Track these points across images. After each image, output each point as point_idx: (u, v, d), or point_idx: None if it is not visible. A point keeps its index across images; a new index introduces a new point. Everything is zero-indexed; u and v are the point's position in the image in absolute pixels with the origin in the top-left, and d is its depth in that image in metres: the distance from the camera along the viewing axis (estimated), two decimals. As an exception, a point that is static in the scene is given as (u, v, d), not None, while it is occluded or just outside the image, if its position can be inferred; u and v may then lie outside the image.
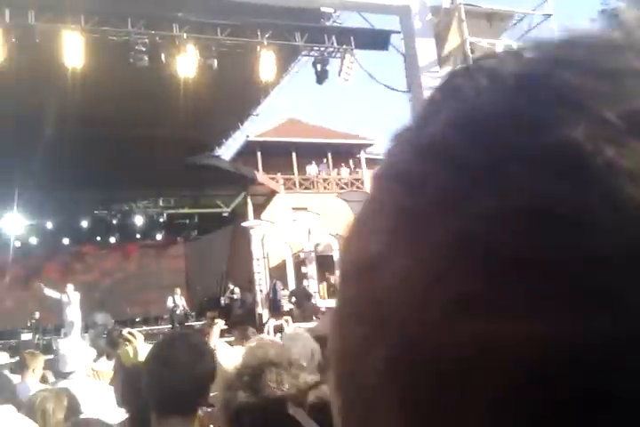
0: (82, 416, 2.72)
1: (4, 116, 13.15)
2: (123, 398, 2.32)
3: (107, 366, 4.64)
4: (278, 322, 3.62)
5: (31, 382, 4.20)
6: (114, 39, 10.57)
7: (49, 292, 14.30)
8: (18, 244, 18.15)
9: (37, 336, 16.71)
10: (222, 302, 18.75)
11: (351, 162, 26.85)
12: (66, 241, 19.04)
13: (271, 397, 1.02)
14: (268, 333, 3.37)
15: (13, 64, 10.33)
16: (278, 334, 4.66)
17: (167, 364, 1.60)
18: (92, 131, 14.32)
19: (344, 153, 26.14)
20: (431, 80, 11.87)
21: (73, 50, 10.07)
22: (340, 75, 13.56)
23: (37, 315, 16.94)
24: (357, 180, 25.92)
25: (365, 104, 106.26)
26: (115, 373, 2.78)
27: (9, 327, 17.23)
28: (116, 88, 12.37)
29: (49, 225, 17.93)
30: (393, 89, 13.78)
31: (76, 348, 4.12)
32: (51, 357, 4.79)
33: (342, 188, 24.56)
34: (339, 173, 26.14)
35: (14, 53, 10.16)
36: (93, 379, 4.29)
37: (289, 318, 3.80)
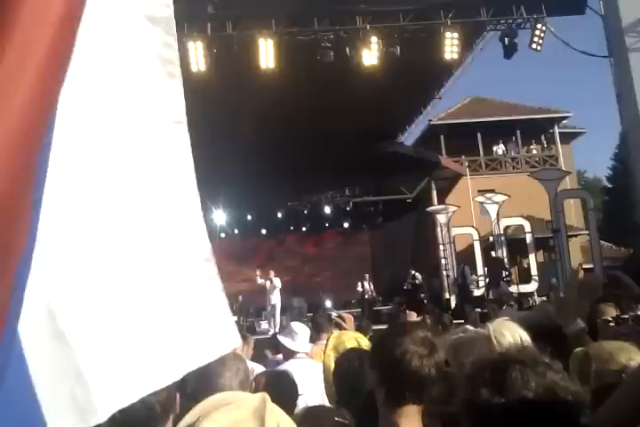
0: (300, 398, 2.74)
1: (204, 119, 14.27)
2: (339, 383, 2.30)
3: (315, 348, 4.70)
4: (485, 311, 3.29)
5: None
6: (302, 39, 10.91)
7: (259, 280, 15.45)
8: (222, 235, 19.87)
9: (242, 318, 18.14)
10: (405, 287, 18.71)
11: (543, 138, 24.92)
12: (263, 231, 20.38)
13: (518, 397, 0.96)
14: (475, 322, 3.07)
15: (213, 71, 11.13)
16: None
17: (404, 353, 1.61)
18: (282, 127, 15.01)
19: (535, 129, 24.30)
20: (635, 41, 10.52)
21: (266, 53, 10.62)
22: (530, 46, 12.77)
23: (240, 298, 18.36)
24: (550, 157, 24.03)
25: (558, 74, 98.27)
26: (327, 356, 2.71)
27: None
28: (303, 85, 12.78)
29: (249, 217, 19.31)
30: (591, 55, 12.69)
31: (305, 329, 4.23)
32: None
33: (533, 166, 22.95)
34: (529, 151, 24.44)
35: (214, 62, 10.93)
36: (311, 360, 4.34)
37: (496, 307, 3.44)
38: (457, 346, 1.91)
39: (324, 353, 2.84)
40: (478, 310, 3.84)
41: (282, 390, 2.50)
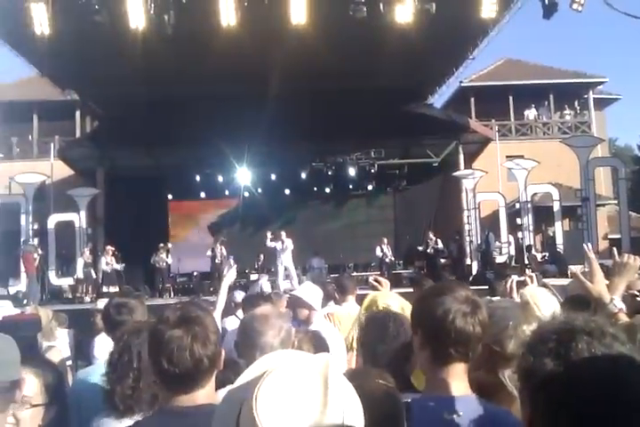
0: None
1: (232, 77, 14.10)
2: (362, 344, 2.29)
3: (337, 310, 4.70)
4: (521, 278, 3.21)
5: None
6: (335, -7, 10.56)
7: (269, 243, 15.55)
8: (246, 194, 19.92)
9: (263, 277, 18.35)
10: (421, 250, 18.70)
11: (576, 103, 24.21)
12: (287, 191, 20.36)
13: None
14: (511, 289, 3.01)
15: (244, 26, 10.88)
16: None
17: (448, 312, 1.60)
18: (309, 85, 14.77)
19: (569, 93, 23.59)
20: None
21: (297, 7, 10.31)
22: (571, 6, 12.26)
23: (262, 257, 18.52)
24: (583, 123, 23.41)
25: (596, 38, 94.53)
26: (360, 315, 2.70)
27: (238, 268, 19.10)
28: (333, 42, 12.49)
29: (272, 177, 19.26)
30: (633, 16, 12.26)
31: (315, 290, 4.17)
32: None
33: (565, 132, 22.42)
34: (561, 117, 23.81)
35: (244, 16, 10.67)
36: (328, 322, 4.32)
37: (534, 275, 3.36)
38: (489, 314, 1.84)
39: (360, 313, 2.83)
40: (516, 277, 3.73)
41: (318, 349, 2.51)
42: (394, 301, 2.76)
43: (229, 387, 1.05)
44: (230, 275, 3.71)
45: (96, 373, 2.17)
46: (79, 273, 16.17)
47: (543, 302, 1.87)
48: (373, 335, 2.18)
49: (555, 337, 0.99)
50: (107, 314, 2.99)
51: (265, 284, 11.87)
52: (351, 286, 5.00)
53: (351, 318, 4.08)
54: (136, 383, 1.89)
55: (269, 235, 15.76)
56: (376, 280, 3.31)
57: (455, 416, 1.50)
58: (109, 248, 16.45)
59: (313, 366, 0.95)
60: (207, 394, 1.57)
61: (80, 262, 16.26)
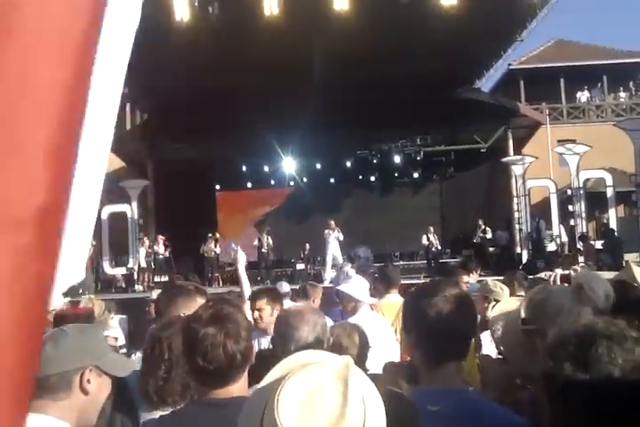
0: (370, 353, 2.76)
1: (276, 66, 14.14)
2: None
3: (381, 301, 4.69)
4: (566, 271, 3.12)
5: None
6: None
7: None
8: (292, 183, 20.04)
9: (309, 266, 18.45)
10: (474, 240, 18.39)
11: (631, 84, 23.24)
12: (332, 180, 20.37)
13: (603, 373, 0.93)
14: (555, 283, 2.93)
15: (287, 14, 10.89)
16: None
17: (435, 312, 1.61)
18: (354, 72, 14.66)
19: (623, 75, 22.66)
20: None
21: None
22: None
23: (308, 247, 18.61)
24: (638, 104, 22.46)
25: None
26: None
27: (284, 257, 19.34)
28: (377, 27, 12.37)
29: (317, 166, 19.29)
30: None
31: (362, 282, 4.22)
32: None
33: (619, 115, 21.56)
34: (616, 99, 22.92)
35: (288, 4, 10.67)
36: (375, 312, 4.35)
37: (578, 268, 3.26)
38: (541, 300, 1.81)
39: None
40: (560, 271, 3.65)
41: (357, 343, 2.52)
42: None
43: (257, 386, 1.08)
44: (240, 259, 3.76)
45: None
46: (142, 262, 16.71)
47: (597, 284, 1.83)
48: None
49: (574, 341, 1.00)
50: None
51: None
52: (395, 277, 5.00)
53: (395, 308, 4.10)
54: (168, 375, 1.96)
55: (332, 224, 15.80)
56: None
57: (439, 408, 1.51)
58: (160, 237, 16.91)
59: (333, 368, 0.96)
60: (240, 388, 1.63)
61: (142, 252, 16.80)
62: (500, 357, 1.78)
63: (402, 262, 19.03)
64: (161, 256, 16.96)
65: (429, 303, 1.64)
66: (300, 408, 0.91)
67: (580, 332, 1.02)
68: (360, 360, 2.52)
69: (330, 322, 3.56)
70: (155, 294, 4.62)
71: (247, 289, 3.74)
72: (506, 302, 2.34)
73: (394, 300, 4.59)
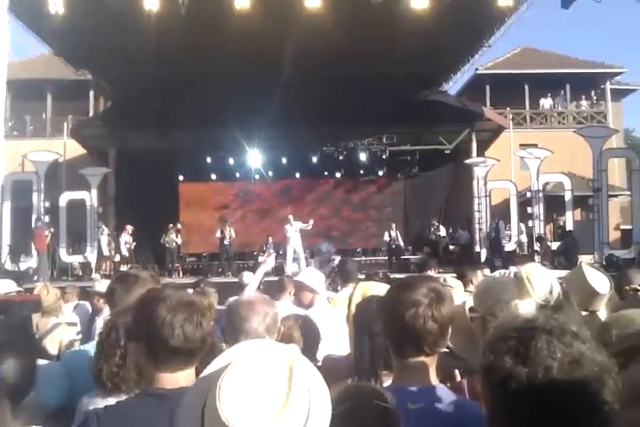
0: (321, 345, 2.78)
1: (245, 60, 14.03)
2: (354, 328, 2.28)
3: (336, 295, 4.71)
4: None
5: (286, 305, 4.25)
6: (351, -24, 10.39)
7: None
8: (257, 176, 19.94)
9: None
10: (430, 238, 18.70)
11: (593, 93, 23.86)
12: (297, 175, 20.36)
13: (542, 367, 0.95)
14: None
15: (257, 8, 10.79)
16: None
17: (402, 306, 1.61)
18: (323, 69, 14.64)
19: (585, 83, 23.23)
20: None
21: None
22: None
23: (271, 240, 18.57)
24: (599, 113, 23.09)
25: (615, 28, 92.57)
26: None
27: (247, 250, 19.27)
28: (347, 26, 12.36)
29: (283, 160, 19.24)
30: None
31: (318, 275, 4.23)
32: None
33: (581, 122, 22.13)
34: (577, 106, 23.50)
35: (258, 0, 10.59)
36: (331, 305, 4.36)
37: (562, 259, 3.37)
38: (485, 289, 1.86)
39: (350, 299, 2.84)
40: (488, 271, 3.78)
41: (308, 335, 2.53)
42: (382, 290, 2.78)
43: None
44: (269, 262, 3.81)
45: (88, 352, 2.22)
46: (104, 250, 16.45)
47: (538, 279, 1.88)
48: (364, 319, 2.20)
49: (515, 335, 1.00)
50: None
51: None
52: (354, 273, 5.04)
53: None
54: (123, 361, 1.93)
55: (291, 218, 15.77)
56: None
57: (420, 406, 1.52)
58: (129, 227, 16.66)
59: (279, 357, 0.96)
60: (188, 376, 1.60)
61: (104, 240, 16.52)
62: (445, 350, 1.81)
63: (364, 258, 19.18)
64: (127, 246, 16.74)
65: (397, 296, 1.66)
66: (243, 396, 0.90)
67: (521, 326, 1.03)
68: (310, 352, 2.53)
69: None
70: (98, 285, 4.52)
71: (255, 285, 3.75)
72: (456, 295, 2.39)
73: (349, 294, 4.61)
